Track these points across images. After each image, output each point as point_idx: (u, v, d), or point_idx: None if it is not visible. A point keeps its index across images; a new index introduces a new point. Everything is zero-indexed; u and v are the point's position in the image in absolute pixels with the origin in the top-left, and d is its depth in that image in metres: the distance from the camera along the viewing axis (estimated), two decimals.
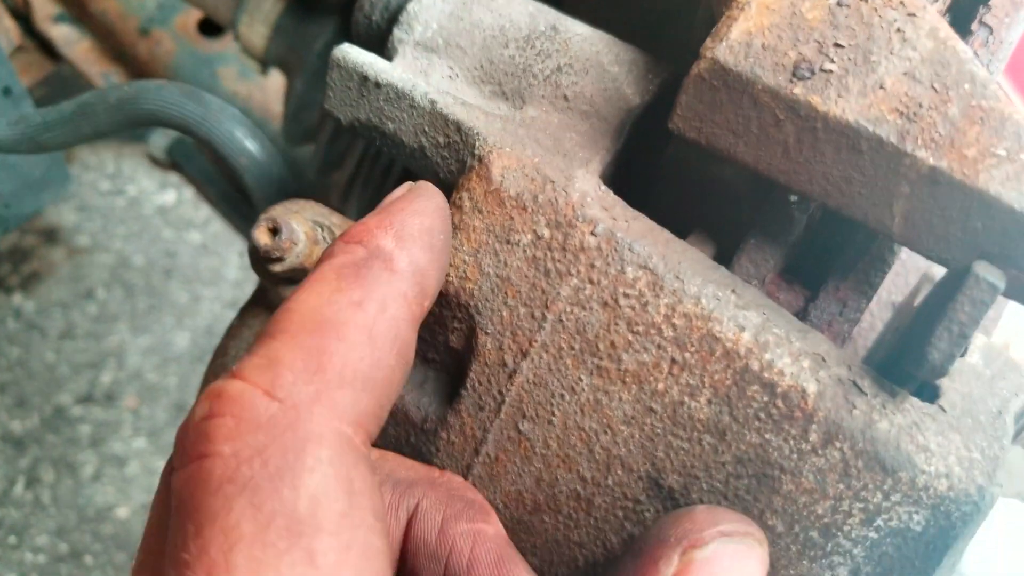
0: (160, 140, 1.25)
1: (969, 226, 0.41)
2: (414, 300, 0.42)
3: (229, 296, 2.12)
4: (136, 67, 1.33)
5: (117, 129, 0.73)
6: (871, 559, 0.42)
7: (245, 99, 1.31)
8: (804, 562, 0.43)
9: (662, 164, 0.54)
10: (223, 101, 0.69)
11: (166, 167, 1.28)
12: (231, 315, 2.07)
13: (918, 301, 0.56)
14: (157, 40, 1.32)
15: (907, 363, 0.42)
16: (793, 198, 0.49)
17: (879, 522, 0.42)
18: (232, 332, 0.63)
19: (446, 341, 0.50)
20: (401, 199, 0.46)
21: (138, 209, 2.20)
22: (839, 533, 0.42)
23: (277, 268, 0.55)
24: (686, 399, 0.44)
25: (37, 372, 2.01)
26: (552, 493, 0.48)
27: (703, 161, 0.52)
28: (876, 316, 0.56)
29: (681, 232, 0.51)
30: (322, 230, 0.58)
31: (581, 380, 0.46)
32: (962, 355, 0.47)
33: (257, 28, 0.98)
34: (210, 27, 1.36)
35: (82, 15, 1.34)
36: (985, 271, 0.40)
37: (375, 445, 0.44)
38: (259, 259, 0.55)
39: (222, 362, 0.62)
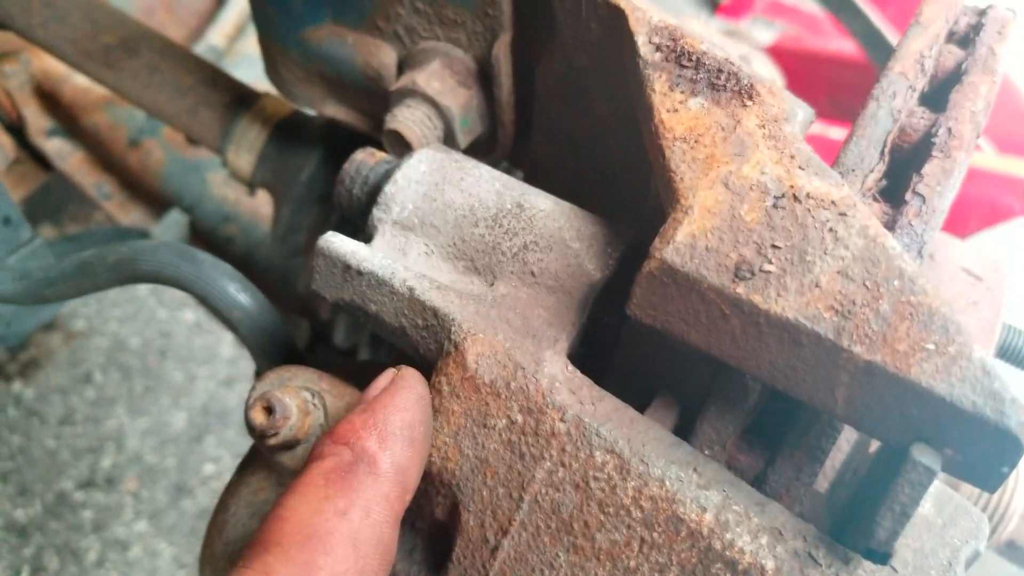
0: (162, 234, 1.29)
1: (905, 412, 0.45)
2: (396, 499, 0.46)
3: (224, 374, 2.15)
4: (127, 176, 1.37)
5: (116, 285, 0.77)
6: None
7: (234, 203, 1.35)
8: None
9: (624, 331, 0.58)
10: (215, 258, 0.73)
11: None
12: (226, 393, 2.10)
13: (871, 449, 0.60)
14: (147, 150, 1.37)
15: (856, 534, 0.46)
16: (745, 376, 0.53)
17: None
18: (232, 489, 0.66)
19: (431, 513, 0.54)
20: (384, 394, 0.50)
21: (132, 291, 2.23)
22: None
23: (273, 442, 0.59)
24: (656, 575, 0.48)
25: (38, 459, 2.03)
26: None
27: (661, 335, 0.56)
28: (842, 437, 0.60)
29: (645, 393, 0.55)
30: (312, 396, 0.62)
31: (559, 556, 0.50)
32: None
33: (243, 155, 1.02)
34: None
35: (74, 128, 1.39)
36: (922, 455, 0.44)
37: None
38: (256, 434, 0.58)
39: (223, 518, 0.65)
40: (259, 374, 0.78)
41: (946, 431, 0.44)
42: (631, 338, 0.58)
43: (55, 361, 2.12)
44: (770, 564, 0.46)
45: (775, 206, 0.48)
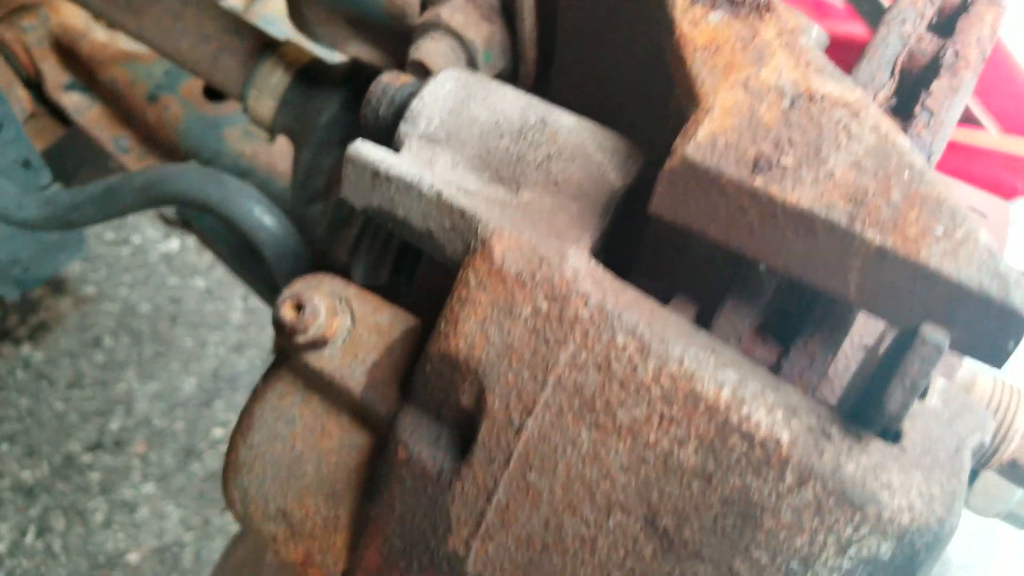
0: None
1: (915, 293, 0.48)
2: None
3: (234, 339, 2.17)
4: (145, 131, 1.39)
5: (142, 208, 0.79)
6: None
7: (251, 158, 1.37)
8: None
9: (644, 236, 0.60)
10: (241, 181, 0.76)
11: (177, 225, 1.34)
12: (236, 359, 2.13)
13: (882, 350, 0.63)
14: (165, 105, 1.39)
15: (869, 410, 0.49)
16: (762, 267, 0.55)
17: (851, 552, 0.48)
18: (257, 394, 0.68)
19: (457, 401, 0.57)
20: None
21: (143, 257, 2.26)
22: (816, 563, 0.48)
23: (301, 340, 0.61)
24: (675, 449, 0.50)
25: (46, 421, 2.06)
26: (559, 535, 0.54)
27: (680, 235, 0.58)
28: (850, 358, 0.63)
29: (664, 296, 0.57)
30: (340, 302, 0.64)
31: (581, 434, 0.52)
32: (922, 398, 0.53)
33: (265, 101, 1.04)
34: (215, 92, 1.42)
35: (92, 83, 1.41)
36: (931, 332, 0.46)
37: None
38: (284, 332, 0.61)
39: (248, 423, 0.68)
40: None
41: (954, 311, 0.47)
42: (649, 247, 0.61)
43: (64, 325, 2.15)
44: (785, 436, 0.49)
45: (792, 106, 0.51)
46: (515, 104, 0.63)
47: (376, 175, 0.59)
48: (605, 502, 0.52)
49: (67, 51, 1.39)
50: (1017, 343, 0.47)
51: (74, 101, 1.40)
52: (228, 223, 0.75)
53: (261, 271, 1.31)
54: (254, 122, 1.08)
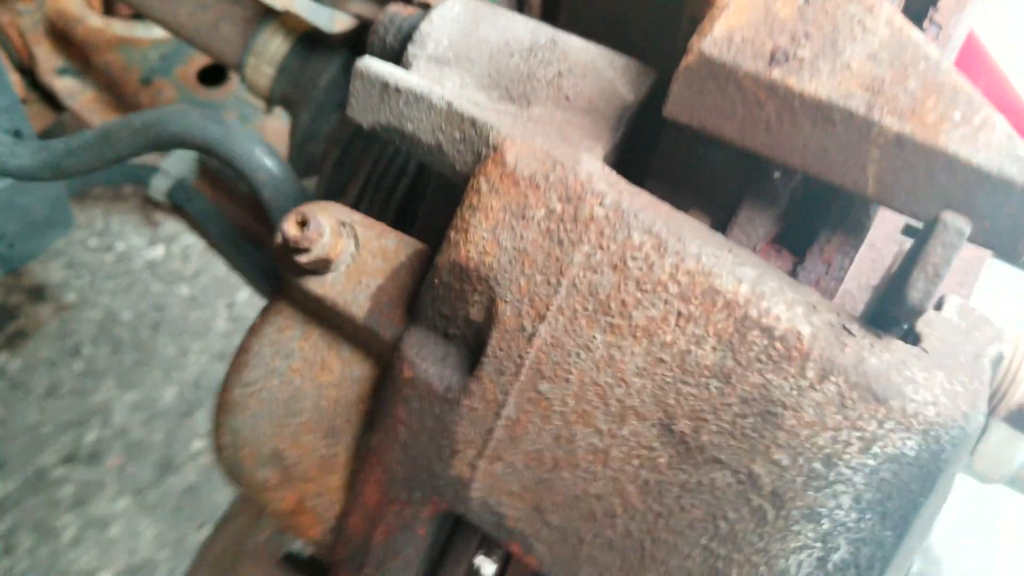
0: (161, 183, 1.29)
1: (934, 181, 0.47)
2: None
3: (217, 348, 2.13)
4: None
5: (139, 152, 0.77)
6: (871, 485, 0.47)
7: None
8: (809, 492, 0.47)
9: (655, 156, 0.59)
10: (242, 125, 0.74)
11: (166, 209, 1.32)
12: (220, 367, 2.08)
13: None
14: (159, 89, 1.38)
15: (890, 307, 0.47)
16: (777, 174, 0.54)
17: (876, 449, 0.46)
18: (255, 329, 0.66)
19: (466, 315, 0.55)
20: None
21: (127, 264, 2.22)
22: (840, 462, 0.47)
23: (304, 259, 0.59)
24: (693, 347, 0.49)
25: (19, 433, 2.00)
26: (570, 449, 0.52)
27: (693, 149, 0.58)
28: (857, 299, 0.61)
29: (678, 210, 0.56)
30: (345, 227, 0.63)
31: (595, 338, 0.51)
32: (938, 308, 0.52)
33: (263, 69, 1.04)
34: (209, 76, 1.42)
35: (85, 68, 1.40)
36: (952, 218, 0.46)
37: None
38: (287, 250, 0.59)
39: (244, 359, 0.66)
40: None
41: (974, 197, 0.46)
42: (662, 162, 0.60)
43: (43, 333, 2.10)
44: (806, 330, 0.47)
45: (807, 2, 0.51)
46: (524, 26, 0.62)
47: (385, 88, 0.58)
48: (619, 409, 0.50)
49: (62, 35, 1.38)
50: None
51: (67, 86, 1.39)
52: (228, 163, 0.74)
53: (251, 254, 1.29)
54: (252, 92, 1.07)
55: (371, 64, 0.59)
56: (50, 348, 2.08)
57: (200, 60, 1.44)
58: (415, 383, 0.55)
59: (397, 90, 0.58)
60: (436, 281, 0.55)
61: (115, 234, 2.27)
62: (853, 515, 0.47)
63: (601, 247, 0.51)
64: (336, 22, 1.33)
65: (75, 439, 1.97)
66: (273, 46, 1.01)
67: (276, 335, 0.65)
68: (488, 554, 0.62)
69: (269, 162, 0.74)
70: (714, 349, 0.49)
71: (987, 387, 0.49)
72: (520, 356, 0.52)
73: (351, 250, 0.62)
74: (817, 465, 0.47)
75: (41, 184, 1.14)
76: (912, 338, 0.50)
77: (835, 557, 0.48)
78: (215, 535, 1.05)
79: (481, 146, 0.55)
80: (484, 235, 0.53)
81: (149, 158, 1.40)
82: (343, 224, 0.62)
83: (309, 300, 0.62)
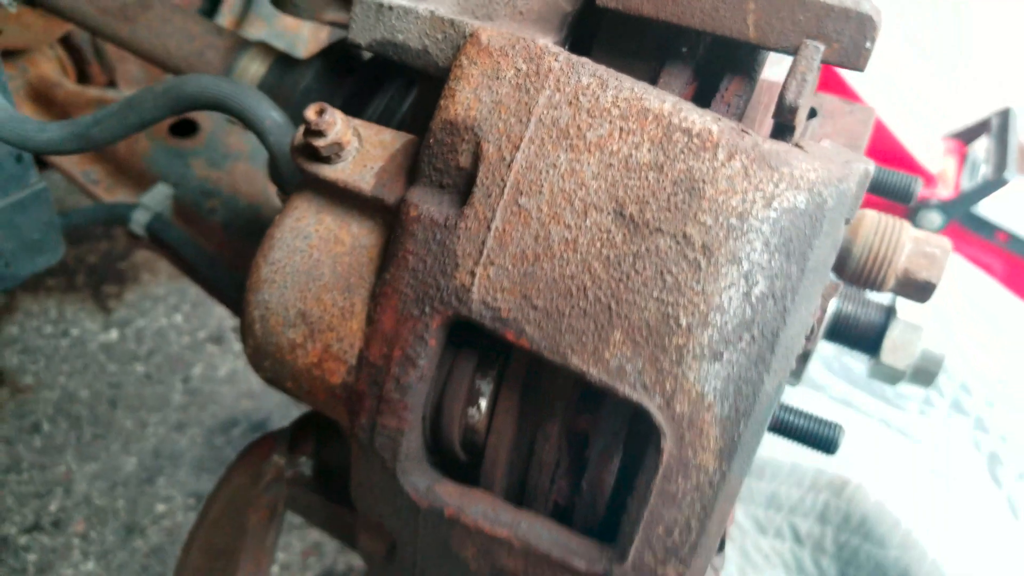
0: (141, 217, 1.41)
1: (796, 20, 0.65)
2: None
3: (175, 419, 2.18)
4: (116, 162, 1.51)
5: (162, 116, 0.91)
6: (775, 232, 0.62)
7: (215, 181, 1.51)
8: (730, 242, 0.63)
9: (593, 50, 0.77)
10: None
11: (144, 242, 1.44)
12: (178, 437, 2.14)
13: None
14: (134, 140, 1.53)
15: (776, 116, 0.65)
16: (684, 49, 0.73)
17: (775, 204, 0.62)
18: (276, 221, 0.79)
19: (457, 164, 0.70)
20: None
21: (82, 348, 2.28)
22: (750, 216, 0.63)
23: (321, 143, 0.74)
24: (633, 152, 0.65)
25: None
26: (547, 245, 0.66)
27: (623, 40, 0.76)
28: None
29: None
30: (350, 126, 0.78)
31: (559, 157, 0.66)
32: (811, 118, 0.69)
33: (249, 77, 1.20)
34: (180, 129, 1.57)
35: None
36: (811, 42, 0.64)
37: None
38: (309, 134, 0.74)
39: (270, 244, 0.78)
40: (283, 185, 0.93)
41: (825, 26, 0.65)
42: (601, 45, 0.77)
43: (1, 414, 2.12)
44: (715, 127, 0.64)
45: None
46: None
47: (380, 8, 0.75)
48: (582, 206, 0.66)
49: (44, 98, 1.52)
50: (872, 43, 0.65)
51: None
52: (239, 115, 0.88)
53: (224, 273, 1.41)
54: None
55: None
56: (8, 427, 2.10)
57: (171, 117, 1.59)
58: (420, 219, 0.70)
59: (389, 8, 0.75)
60: (431, 141, 0.71)
61: (69, 321, 2.34)
62: (765, 256, 0.63)
63: (558, 90, 0.67)
64: (307, 45, 1.51)
65: (37, 510, 1.98)
66: (253, 68, 1.18)
67: (295, 223, 0.78)
68: (483, 376, 0.75)
69: (274, 113, 0.89)
70: (649, 150, 0.65)
71: (856, 176, 0.66)
72: (503, 180, 0.67)
73: (356, 146, 0.77)
74: (733, 220, 0.63)
75: (35, 206, 1.25)
76: (791, 134, 0.67)
77: (756, 291, 0.63)
78: (212, 498, 1.12)
79: (459, 40, 0.72)
80: (467, 96, 0.69)
81: (128, 199, 1.53)
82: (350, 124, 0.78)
83: (323, 186, 0.77)
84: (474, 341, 0.75)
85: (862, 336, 0.88)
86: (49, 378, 2.21)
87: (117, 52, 1.62)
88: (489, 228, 0.67)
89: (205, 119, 1.61)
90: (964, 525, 1.88)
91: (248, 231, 1.45)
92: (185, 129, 1.58)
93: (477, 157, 0.69)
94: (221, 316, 2.41)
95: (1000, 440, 2.10)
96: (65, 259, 2.44)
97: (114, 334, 2.33)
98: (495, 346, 0.75)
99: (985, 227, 2.11)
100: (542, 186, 0.67)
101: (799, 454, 2.07)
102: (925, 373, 0.97)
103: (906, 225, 0.91)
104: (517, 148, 0.67)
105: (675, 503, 0.66)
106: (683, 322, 0.63)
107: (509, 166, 0.67)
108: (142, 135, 1.54)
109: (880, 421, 2.15)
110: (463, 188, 0.70)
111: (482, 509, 0.73)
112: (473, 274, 0.68)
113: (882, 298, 0.91)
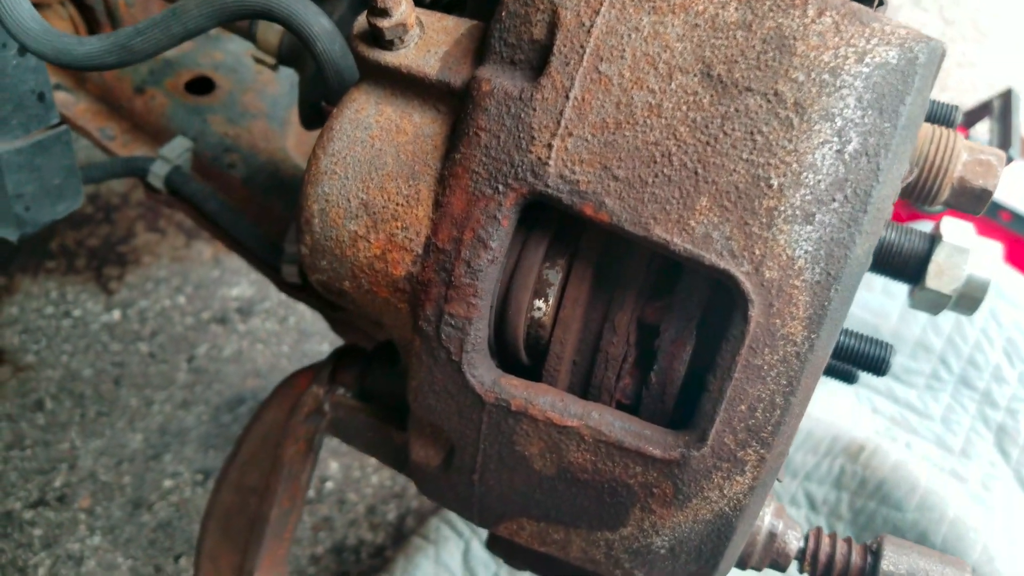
0: (160, 169, 1.38)
1: None
2: None
3: (180, 398, 2.14)
4: (133, 119, 1.49)
5: (208, 26, 0.89)
6: (868, 87, 0.61)
7: (234, 138, 1.48)
8: (823, 98, 0.61)
9: None
10: None
11: (163, 197, 1.40)
12: (184, 414, 2.09)
13: None
14: (151, 96, 1.50)
15: None
16: None
17: (867, 59, 0.61)
18: (334, 114, 0.76)
19: (530, 36, 0.68)
20: None
21: (84, 328, 2.23)
22: (842, 71, 0.61)
23: (385, 23, 0.72)
24: (720, 11, 0.63)
25: None
26: (630, 111, 0.65)
27: None
28: None
29: None
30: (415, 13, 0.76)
31: (642, 19, 0.65)
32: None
33: (274, 28, 1.18)
34: (196, 87, 1.55)
35: (78, 85, 1.51)
36: None
37: None
38: (374, 12, 0.72)
39: (329, 135, 0.75)
40: (332, 89, 0.90)
41: None
42: None
43: (3, 391, 2.07)
44: None
45: None
46: None
47: None
48: (667, 69, 0.64)
49: None
50: None
51: (61, 98, 1.49)
52: (286, 22, 0.86)
53: (247, 225, 1.38)
54: (263, 50, 1.21)
55: None
56: (10, 405, 2.05)
57: (187, 74, 1.57)
58: (492, 93, 0.68)
59: None
60: (503, 15, 0.69)
61: (70, 302, 2.29)
62: (858, 112, 0.61)
63: None
64: None
65: (42, 486, 1.93)
66: None
67: (354, 115, 0.76)
68: (551, 267, 0.73)
69: (323, 19, 0.87)
70: (736, 9, 0.63)
71: (942, 48, 0.64)
72: (582, 46, 0.66)
73: (418, 31, 0.75)
74: (826, 76, 0.61)
75: (56, 148, 1.22)
76: None
77: (849, 148, 0.61)
78: (244, 436, 1.09)
79: None
80: None
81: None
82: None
83: (384, 75, 0.74)
84: (544, 227, 0.73)
85: (905, 264, 0.86)
86: (51, 357, 2.16)
87: (129, 11, 1.59)
88: (567, 97, 0.66)
89: (222, 78, 1.58)
90: (975, 499, 1.87)
91: (268, 187, 1.43)
92: (202, 87, 1.56)
93: (553, 26, 0.67)
94: (224, 298, 2.37)
95: (1008, 414, 2.10)
96: (65, 242, 2.41)
97: (116, 315, 2.29)
98: (564, 235, 0.74)
99: (989, 207, 2.12)
100: (624, 51, 0.65)
101: (813, 421, 2.05)
102: (969, 299, 0.95)
103: (959, 135, 0.90)
104: (597, 12, 0.66)
105: (760, 377, 0.64)
106: (774, 183, 0.62)
107: (588, 32, 0.66)
108: (159, 92, 1.51)
109: (887, 397, 2.15)
110: (537, 63, 0.69)
111: (550, 400, 0.71)
112: (550, 146, 0.66)
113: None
